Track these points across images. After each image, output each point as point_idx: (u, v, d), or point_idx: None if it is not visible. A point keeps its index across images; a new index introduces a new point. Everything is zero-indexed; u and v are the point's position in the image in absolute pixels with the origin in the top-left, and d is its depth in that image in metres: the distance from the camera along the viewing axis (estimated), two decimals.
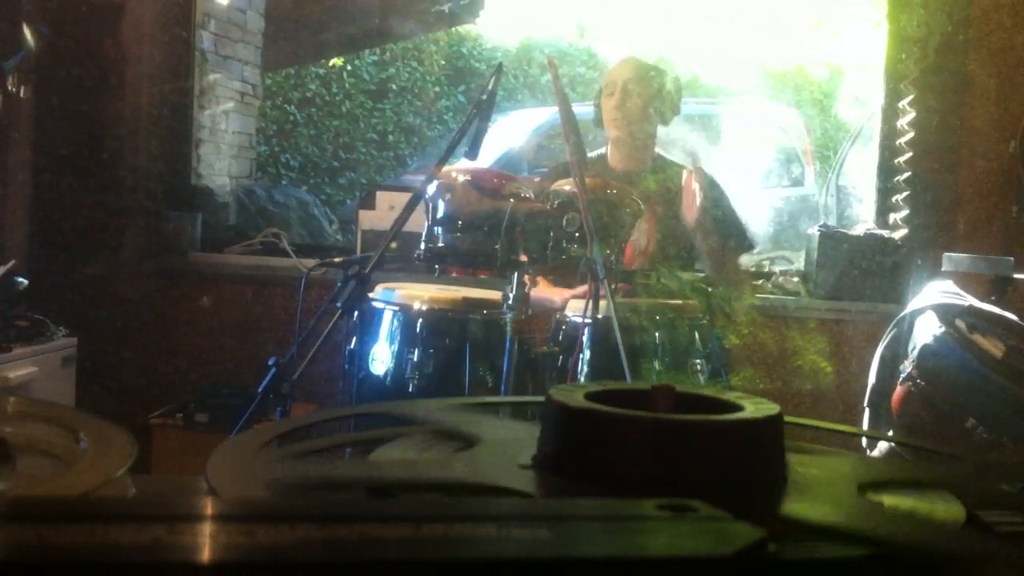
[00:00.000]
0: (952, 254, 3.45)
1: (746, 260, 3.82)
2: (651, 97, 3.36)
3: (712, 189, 3.41)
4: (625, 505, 0.37)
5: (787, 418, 0.61)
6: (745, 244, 3.50)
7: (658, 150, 3.51)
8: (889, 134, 4.25)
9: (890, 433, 2.91)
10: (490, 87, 3.00)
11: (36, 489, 0.51)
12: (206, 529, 0.32)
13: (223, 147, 5.13)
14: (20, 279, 3.58)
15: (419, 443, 0.64)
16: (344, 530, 0.32)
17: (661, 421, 0.56)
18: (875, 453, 2.95)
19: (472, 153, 2.97)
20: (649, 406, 0.60)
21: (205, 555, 0.30)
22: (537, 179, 3.32)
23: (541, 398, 0.61)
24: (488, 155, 3.03)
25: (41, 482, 0.52)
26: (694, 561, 0.32)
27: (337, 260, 3.08)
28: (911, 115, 4.15)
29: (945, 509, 0.60)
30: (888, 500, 0.60)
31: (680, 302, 2.94)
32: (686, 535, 0.34)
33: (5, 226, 4.18)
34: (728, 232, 3.38)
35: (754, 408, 0.60)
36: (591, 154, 3.47)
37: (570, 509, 0.37)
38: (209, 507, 0.36)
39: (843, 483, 0.62)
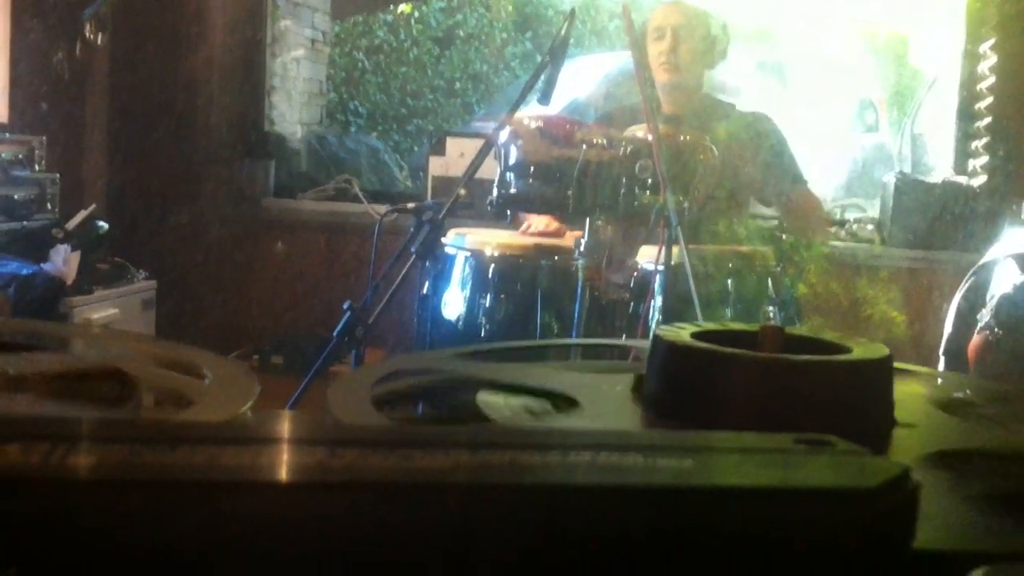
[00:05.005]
0: None
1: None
2: (699, 41, 3.33)
3: (773, 134, 3.38)
4: (761, 439, 0.37)
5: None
6: (801, 183, 3.47)
7: (709, 92, 3.48)
8: (969, 79, 4.14)
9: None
10: (562, 33, 2.99)
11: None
12: (366, 453, 0.33)
13: (294, 94, 5.17)
14: (101, 223, 3.65)
15: (521, 391, 0.65)
16: (497, 456, 0.34)
17: (775, 361, 0.57)
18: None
19: (544, 99, 2.96)
20: (757, 347, 0.60)
21: (375, 477, 0.32)
22: (598, 122, 3.32)
23: (623, 341, 0.61)
24: (557, 102, 3.03)
25: (167, 417, 0.54)
26: (840, 492, 0.33)
27: (410, 206, 3.09)
28: (992, 60, 4.04)
29: None
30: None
31: (752, 248, 2.92)
32: (827, 468, 0.35)
33: (85, 172, 4.26)
34: (785, 172, 3.36)
35: (863, 350, 0.60)
36: (637, 99, 3.46)
37: (709, 441, 0.38)
38: (360, 432, 0.38)
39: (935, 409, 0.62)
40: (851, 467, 0.35)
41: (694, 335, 0.61)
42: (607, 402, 0.63)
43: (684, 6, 3.39)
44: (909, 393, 0.65)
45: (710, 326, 0.64)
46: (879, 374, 0.59)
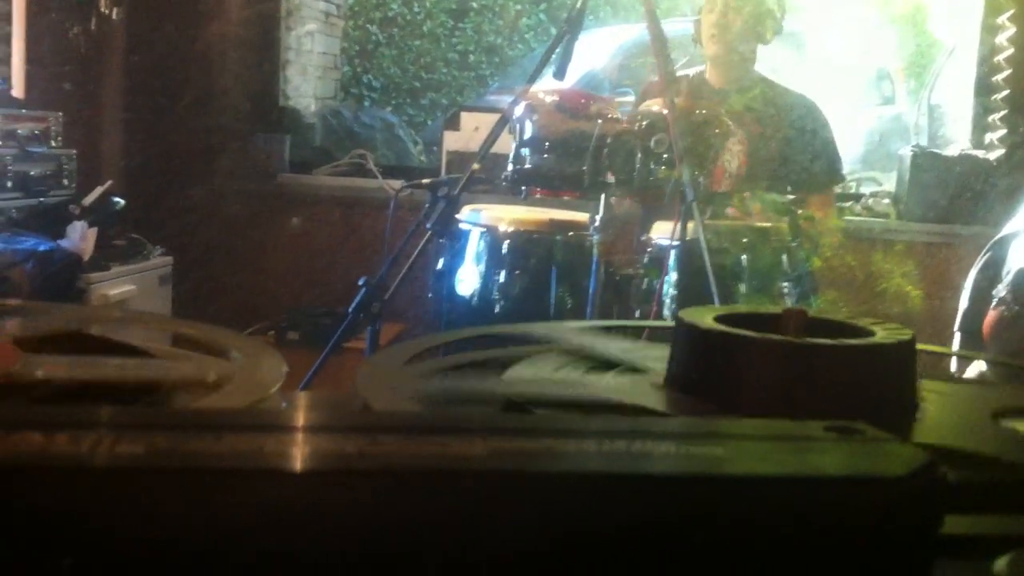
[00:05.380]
0: None
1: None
2: (751, 14, 3.30)
3: (816, 121, 3.37)
4: (791, 426, 0.38)
5: (919, 345, 0.61)
6: (837, 177, 3.47)
7: (761, 70, 3.46)
8: (987, 51, 4.11)
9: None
10: (578, 6, 2.98)
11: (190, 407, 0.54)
12: (403, 441, 0.34)
13: (309, 68, 5.16)
14: (117, 199, 3.67)
15: (551, 363, 0.66)
16: (527, 442, 0.34)
17: (796, 344, 0.57)
18: (969, 373, 2.92)
19: (560, 74, 2.96)
20: (779, 330, 0.61)
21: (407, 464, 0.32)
22: (622, 100, 3.30)
23: (666, 323, 0.61)
24: (571, 75, 3.02)
25: (195, 400, 0.55)
26: (869, 480, 0.34)
27: (425, 182, 3.10)
28: (1011, 31, 4.01)
29: None
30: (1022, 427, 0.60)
31: (768, 224, 2.91)
32: (857, 455, 0.36)
33: (101, 147, 4.28)
34: (823, 166, 3.36)
35: (886, 333, 0.60)
36: (690, 71, 3.44)
37: (739, 428, 0.38)
38: (395, 419, 0.39)
39: (976, 410, 0.62)
40: (880, 455, 0.35)
41: (717, 318, 0.61)
42: (633, 379, 0.63)
43: None
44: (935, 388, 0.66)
45: (734, 309, 0.65)
46: (903, 357, 0.59)
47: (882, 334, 0.60)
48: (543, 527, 0.31)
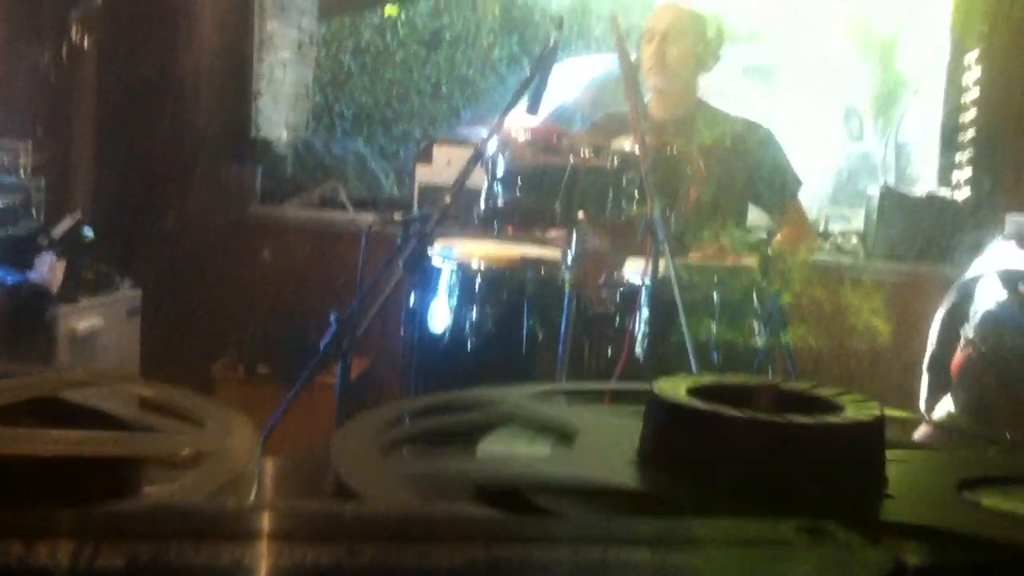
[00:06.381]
0: (1016, 217, 3.40)
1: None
2: (691, 44, 3.33)
3: (763, 142, 3.40)
4: (764, 528, 0.38)
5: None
6: (796, 188, 3.48)
7: (704, 98, 3.48)
8: (953, 92, 4.17)
9: (949, 398, 2.90)
10: (550, 44, 3.00)
11: (166, 488, 0.53)
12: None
13: (281, 98, 5.16)
14: (86, 231, 3.65)
15: (520, 434, 0.66)
16: (504, 550, 0.34)
17: (766, 423, 0.58)
18: (938, 413, 2.94)
19: (533, 108, 2.97)
20: (753, 403, 0.62)
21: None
22: (586, 130, 3.32)
23: (629, 385, 0.62)
24: (543, 108, 3.05)
25: (170, 479, 0.55)
26: None
27: (397, 217, 3.10)
28: (977, 72, 4.07)
29: None
30: (987, 500, 0.61)
31: (737, 263, 2.94)
32: (828, 563, 0.36)
33: (71, 177, 4.25)
34: (784, 183, 3.38)
35: (855, 408, 0.61)
36: (625, 107, 3.47)
37: (714, 532, 0.39)
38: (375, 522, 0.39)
39: (941, 481, 0.63)
40: (851, 562, 0.36)
41: (690, 390, 0.62)
42: (606, 454, 0.64)
43: (675, 8, 3.38)
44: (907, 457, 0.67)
45: (707, 380, 0.66)
46: (873, 435, 0.60)
47: (851, 408, 0.61)
48: None
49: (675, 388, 0.62)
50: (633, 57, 3.52)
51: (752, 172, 3.32)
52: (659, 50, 3.28)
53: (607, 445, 0.65)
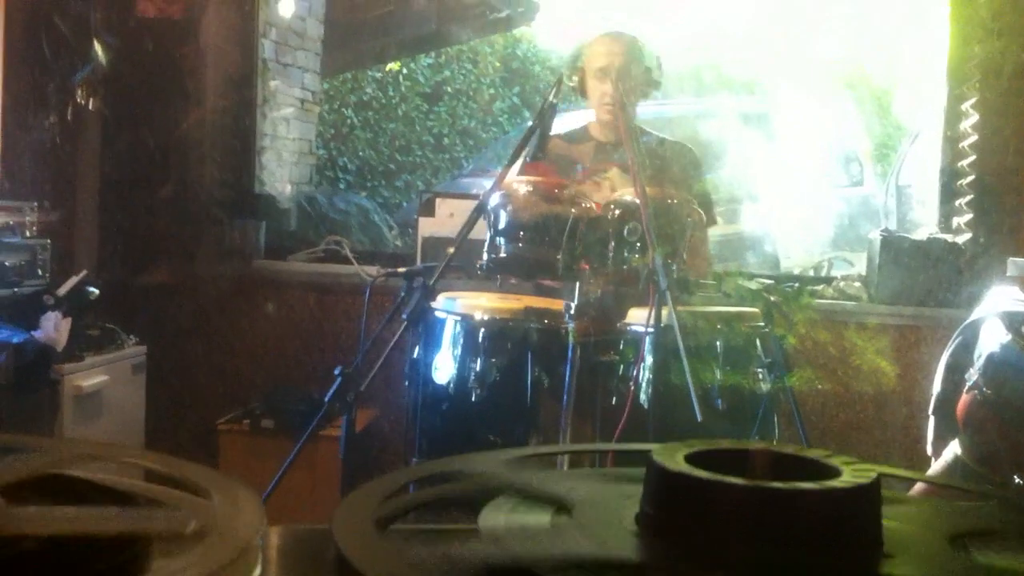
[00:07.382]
0: (1017, 259, 3.41)
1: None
2: (638, 76, 3.36)
3: (695, 166, 3.43)
4: None
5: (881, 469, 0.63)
6: (711, 221, 3.45)
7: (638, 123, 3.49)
8: (951, 137, 4.20)
9: (956, 443, 2.90)
10: (551, 98, 3.03)
11: (172, 563, 0.54)
12: None
13: (284, 154, 5.21)
14: (91, 289, 3.66)
15: (518, 506, 0.67)
16: None
17: (771, 490, 0.58)
18: (937, 465, 2.94)
19: (535, 160, 3.00)
20: (749, 469, 0.62)
21: None
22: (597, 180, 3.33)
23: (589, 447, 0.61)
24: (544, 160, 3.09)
25: (176, 554, 0.55)
26: None
27: (400, 270, 3.12)
28: (974, 118, 4.10)
29: None
30: (979, 555, 0.62)
31: (741, 309, 2.94)
32: None
33: (76, 236, 4.28)
34: (705, 209, 3.35)
35: (851, 472, 0.62)
36: (575, 128, 3.51)
37: None
38: None
39: (935, 537, 0.63)
40: None
41: (688, 456, 0.62)
42: (607, 524, 0.64)
43: (625, 41, 3.38)
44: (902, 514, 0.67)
45: (704, 445, 0.66)
46: (866, 500, 0.60)
47: (848, 473, 0.62)
48: None
49: (673, 456, 0.63)
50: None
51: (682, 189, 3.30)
52: (616, 88, 3.21)
53: (606, 514, 0.65)
